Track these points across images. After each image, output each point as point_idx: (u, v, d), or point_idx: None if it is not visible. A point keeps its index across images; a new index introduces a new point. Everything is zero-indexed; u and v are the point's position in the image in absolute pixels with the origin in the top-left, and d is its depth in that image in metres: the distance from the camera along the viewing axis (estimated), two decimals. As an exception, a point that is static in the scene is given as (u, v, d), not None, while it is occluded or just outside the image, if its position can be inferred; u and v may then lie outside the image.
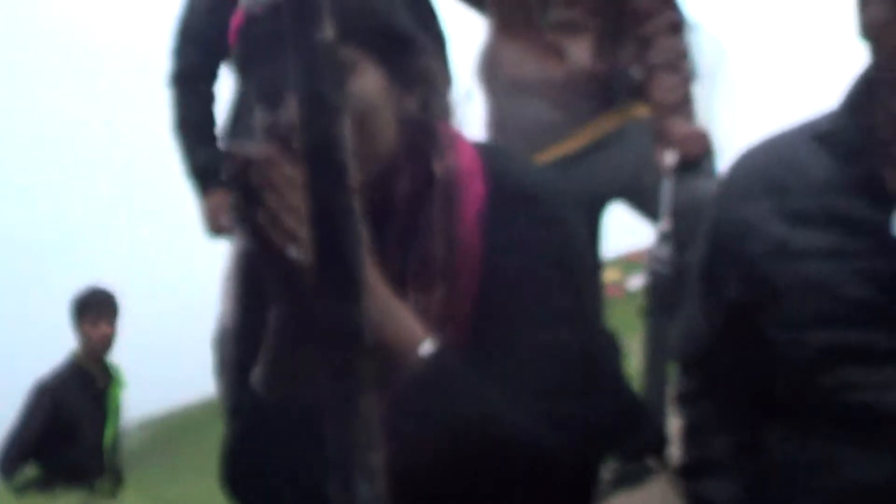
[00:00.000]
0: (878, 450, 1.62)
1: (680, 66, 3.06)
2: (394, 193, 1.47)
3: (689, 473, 1.75)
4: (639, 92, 3.09)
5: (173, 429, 6.53)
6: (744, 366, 1.80)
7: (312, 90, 1.16)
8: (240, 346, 1.59)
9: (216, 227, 3.74)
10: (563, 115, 3.05)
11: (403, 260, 1.46)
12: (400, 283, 1.44)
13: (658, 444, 1.80)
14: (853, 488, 1.63)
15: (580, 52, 3.05)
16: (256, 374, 1.45)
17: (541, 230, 1.47)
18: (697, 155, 2.95)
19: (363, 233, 1.12)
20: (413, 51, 1.52)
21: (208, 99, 3.78)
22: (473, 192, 1.48)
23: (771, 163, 1.77)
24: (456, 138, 1.54)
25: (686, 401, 1.88)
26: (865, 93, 1.70)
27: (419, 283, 1.44)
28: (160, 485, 5.89)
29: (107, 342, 6.20)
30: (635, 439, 1.68)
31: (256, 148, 1.32)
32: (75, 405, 6.11)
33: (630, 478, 1.69)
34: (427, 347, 1.36)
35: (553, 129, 3.05)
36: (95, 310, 6.15)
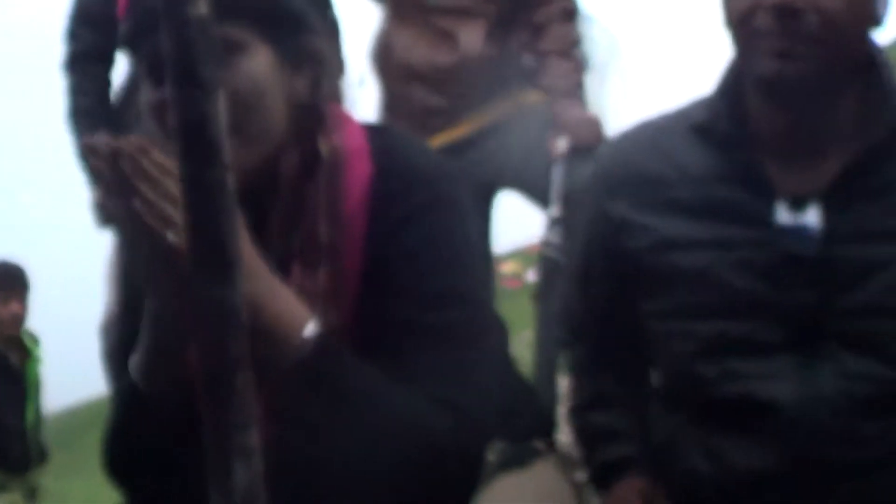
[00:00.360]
0: (756, 438, 1.64)
1: (572, 53, 3.08)
2: (280, 173, 1.46)
3: (577, 411, 1.79)
4: (531, 79, 3.11)
5: (75, 424, 6.42)
6: (624, 351, 1.84)
7: (185, 67, 1.14)
8: (121, 334, 1.57)
9: (105, 218, 3.69)
10: (453, 102, 3.05)
11: (289, 239, 1.45)
12: (286, 261, 1.43)
13: (546, 426, 1.80)
14: (730, 474, 1.66)
15: (472, 38, 3.06)
16: (134, 364, 1.43)
17: (427, 210, 1.47)
18: (590, 141, 2.96)
19: (238, 212, 1.09)
20: (304, 31, 1.50)
21: (103, 83, 3.71)
22: (359, 171, 1.47)
23: (646, 154, 1.76)
24: (345, 119, 1.53)
25: (569, 351, 1.94)
26: (736, 82, 1.72)
27: (305, 262, 1.44)
28: (60, 479, 5.80)
29: (18, 320, 5.95)
30: (523, 421, 1.69)
31: (124, 138, 1.29)
32: None
33: (516, 459, 1.69)
34: (311, 329, 1.35)
35: (443, 115, 3.06)
36: (4, 286, 5.87)
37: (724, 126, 1.71)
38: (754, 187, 1.68)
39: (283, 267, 1.40)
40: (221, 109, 1.15)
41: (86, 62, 3.67)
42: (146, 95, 1.47)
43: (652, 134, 1.81)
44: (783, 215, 1.65)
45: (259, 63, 1.44)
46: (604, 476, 1.76)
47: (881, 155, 1.65)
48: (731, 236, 1.68)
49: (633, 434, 1.80)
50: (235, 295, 1.17)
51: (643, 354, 1.84)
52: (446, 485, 1.40)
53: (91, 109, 3.66)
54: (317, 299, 1.42)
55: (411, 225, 1.45)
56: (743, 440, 1.65)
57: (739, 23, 1.64)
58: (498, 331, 1.66)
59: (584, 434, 1.80)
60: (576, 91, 3.02)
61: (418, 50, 3.14)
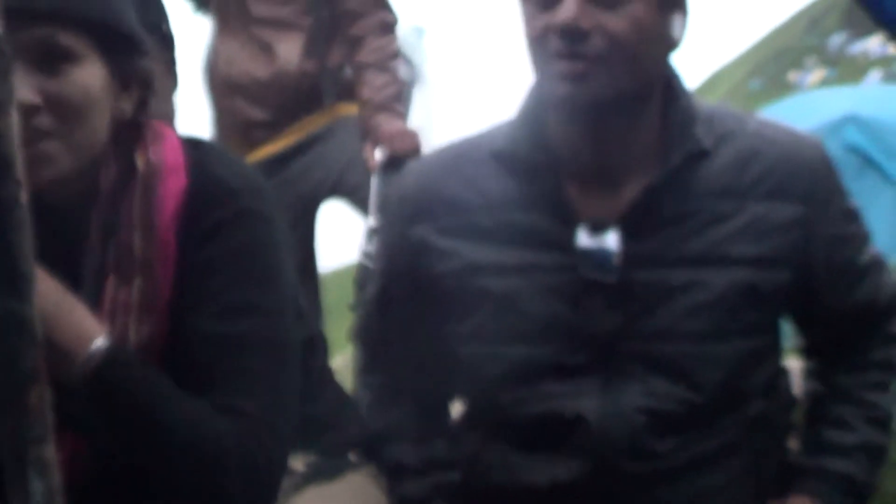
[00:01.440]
0: (558, 452, 1.67)
1: (389, 66, 3.11)
2: (98, 186, 1.47)
3: (376, 441, 1.78)
4: (348, 91, 3.14)
5: None
6: (420, 380, 1.84)
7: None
8: None
9: None
10: (271, 115, 3.06)
11: (105, 251, 1.46)
12: (103, 273, 1.44)
13: (363, 438, 1.82)
14: (531, 488, 1.70)
15: (289, 50, 3.07)
16: None
17: (231, 223, 1.48)
18: (406, 152, 3.00)
19: (30, 227, 1.10)
20: (136, 53, 1.51)
21: None
22: (173, 186, 1.48)
23: (448, 179, 1.76)
24: (165, 135, 1.54)
25: (365, 375, 1.92)
26: (536, 107, 1.73)
27: (119, 274, 1.44)
28: None
29: None
30: (340, 434, 1.70)
31: None
32: None
33: (328, 471, 1.70)
34: (99, 342, 1.35)
35: (264, 127, 3.07)
36: None
37: (525, 152, 1.72)
38: (556, 212, 1.69)
39: (99, 279, 1.41)
40: (14, 125, 1.16)
41: None
42: None
43: (454, 159, 1.81)
44: (584, 240, 1.66)
45: (92, 76, 1.45)
46: None
47: (678, 181, 1.67)
48: (535, 261, 1.69)
49: (427, 468, 1.80)
50: (29, 308, 1.17)
51: (440, 382, 1.85)
52: (231, 490, 1.39)
53: None
54: (130, 312, 1.43)
55: (215, 238, 1.46)
56: (545, 455, 1.68)
57: (533, 46, 1.65)
58: (316, 346, 1.67)
59: (380, 467, 1.79)
60: (392, 103, 3.05)
61: (239, 63, 3.14)
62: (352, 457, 1.72)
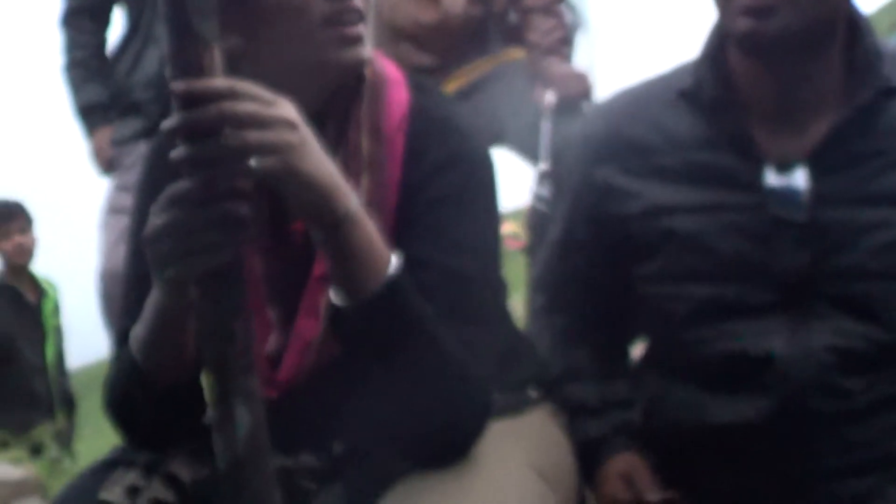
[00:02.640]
0: (744, 391, 1.67)
1: (554, 10, 3.09)
2: (329, 95, 1.53)
3: (556, 384, 1.78)
4: (513, 36, 3.13)
5: (74, 388, 6.39)
6: (602, 323, 1.85)
7: (181, 20, 1.17)
8: (129, 292, 1.59)
9: (104, 165, 3.73)
10: (437, 60, 3.07)
11: (336, 154, 1.49)
12: None
13: (541, 376, 1.82)
14: (714, 427, 1.69)
15: None
16: (133, 339, 1.47)
17: (460, 160, 1.53)
18: (577, 95, 2.99)
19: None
20: None
21: (98, 37, 3.76)
22: (398, 96, 1.56)
23: (631, 121, 1.76)
24: (380, 56, 1.61)
25: (546, 316, 1.94)
26: (720, 47, 1.72)
27: (348, 173, 1.47)
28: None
29: (24, 252, 5.94)
30: (520, 370, 1.72)
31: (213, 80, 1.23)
32: (7, 324, 5.86)
33: (509, 407, 1.72)
34: (395, 262, 1.38)
35: (429, 73, 3.07)
36: (3, 221, 5.87)
37: (710, 91, 1.71)
38: (742, 151, 1.68)
39: None
40: (218, 61, 1.19)
41: (82, 18, 3.72)
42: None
43: (636, 100, 1.81)
44: (771, 179, 1.66)
45: None
46: (584, 454, 1.76)
47: (867, 118, 1.65)
48: (721, 201, 1.69)
49: (608, 408, 1.81)
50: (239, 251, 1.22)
51: (622, 323, 1.86)
52: (467, 416, 1.44)
53: (85, 62, 3.70)
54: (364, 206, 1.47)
55: (444, 171, 1.51)
56: (730, 394, 1.67)
57: None
58: (501, 285, 1.70)
59: (564, 407, 1.79)
60: (560, 47, 3.04)
61: (404, 8, 3.15)
62: (532, 393, 1.73)
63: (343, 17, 1.47)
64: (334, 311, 1.39)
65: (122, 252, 1.94)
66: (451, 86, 3.08)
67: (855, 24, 1.69)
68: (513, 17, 3.16)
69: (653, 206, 1.72)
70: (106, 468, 1.54)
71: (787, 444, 1.65)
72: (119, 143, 3.66)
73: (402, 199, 1.51)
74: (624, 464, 1.75)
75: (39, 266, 6.20)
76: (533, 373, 1.74)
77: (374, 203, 1.48)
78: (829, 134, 1.65)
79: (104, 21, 3.79)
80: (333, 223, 1.33)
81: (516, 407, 1.66)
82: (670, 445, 1.76)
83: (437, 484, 1.41)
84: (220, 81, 1.20)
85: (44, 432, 5.39)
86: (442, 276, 1.46)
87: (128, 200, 3.51)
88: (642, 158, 1.74)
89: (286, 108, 1.26)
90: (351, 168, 1.49)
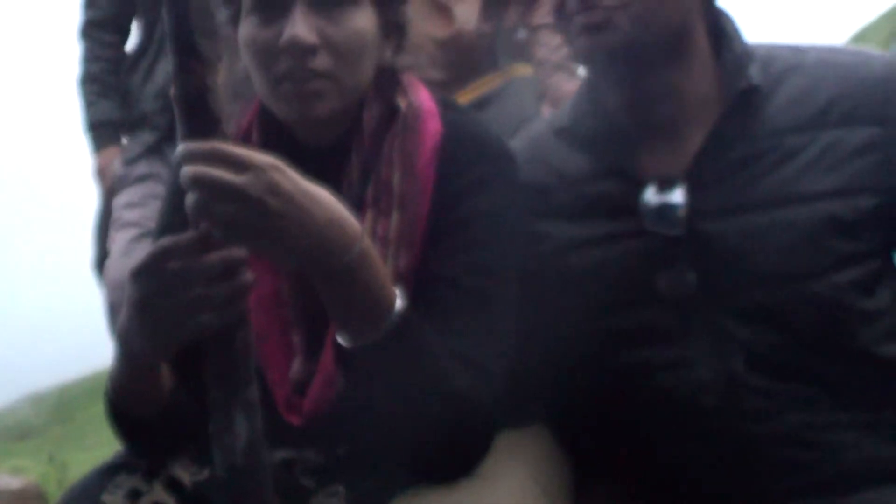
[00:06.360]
0: (680, 426, 1.63)
1: None
2: (361, 124, 1.56)
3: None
4: (522, 52, 3.15)
5: (72, 398, 6.46)
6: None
7: (185, 41, 1.19)
8: None
9: (107, 184, 3.74)
10: (448, 74, 3.08)
11: (364, 185, 1.53)
12: (359, 209, 1.51)
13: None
14: (661, 466, 1.66)
15: (467, 11, 3.09)
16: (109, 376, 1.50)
17: (490, 183, 1.56)
18: None
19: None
20: (401, 2, 1.63)
21: (117, 49, 3.77)
22: (432, 129, 1.57)
23: (530, 165, 1.75)
24: (416, 83, 1.65)
25: None
26: (596, 80, 1.73)
27: (378, 208, 1.51)
28: (58, 451, 5.84)
29: None
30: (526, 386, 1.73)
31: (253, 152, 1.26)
32: None
33: (514, 421, 1.74)
34: (400, 302, 1.39)
35: (440, 87, 3.09)
36: None
37: (586, 124, 1.73)
38: (623, 177, 1.68)
39: (357, 214, 1.44)
40: (220, 83, 1.21)
41: (100, 30, 3.73)
42: (249, 30, 1.54)
43: (532, 143, 1.83)
44: (651, 198, 1.64)
45: (367, 20, 1.55)
46: None
47: (740, 125, 1.63)
48: (611, 230, 1.68)
49: None
50: (242, 257, 1.24)
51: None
52: (472, 437, 1.46)
53: (101, 76, 3.72)
54: (389, 245, 1.51)
55: (474, 194, 1.54)
56: (665, 430, 1.64)
57: (555, 7, 1.64)
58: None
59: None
60: (567, 63, 3.06)
61: (417, 23, 3.15)
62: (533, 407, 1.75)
63: (296, 74, 1.49)
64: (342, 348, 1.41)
65: (127, 263, 1.96)
66: (461, 100, 3.09)
67: (720, 31, 1.68)
68: (521, 33, 3.18)
69: (556, 245, 1.72)
70: (108, 472, 1.57)
71: (736, 477, 1.60)
72: (129, 161, 3.67)
73: (431, 224, 1.53)
74: None
75: (47, 270, 6.20)
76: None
77: (403, 238, 1.50)
78: (702, 145, 1.64)
79: (124, 33, 3.81)
80: (328, 275, 1.33)
81: (519, 420, 1.68)
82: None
83: (440, 497, 1.42)
84: (199, 145, 1.21)
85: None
86: (464, 297, 1.49)
87: (133, 216, 3.55)
88: (543, 200, 1.74)
89: (259, 175, 1.23)
90: (382, 205, 1.51)
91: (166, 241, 1.24)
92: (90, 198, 3.85)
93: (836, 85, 1.64)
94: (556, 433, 1.76)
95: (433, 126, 1.58)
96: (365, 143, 1.56)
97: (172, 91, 1.21)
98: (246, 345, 1.24)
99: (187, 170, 1.21)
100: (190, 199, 1.22)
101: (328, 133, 1.58)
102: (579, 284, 1.69)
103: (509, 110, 3.07)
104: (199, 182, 1.21)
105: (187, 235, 1.24)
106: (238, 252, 1.24)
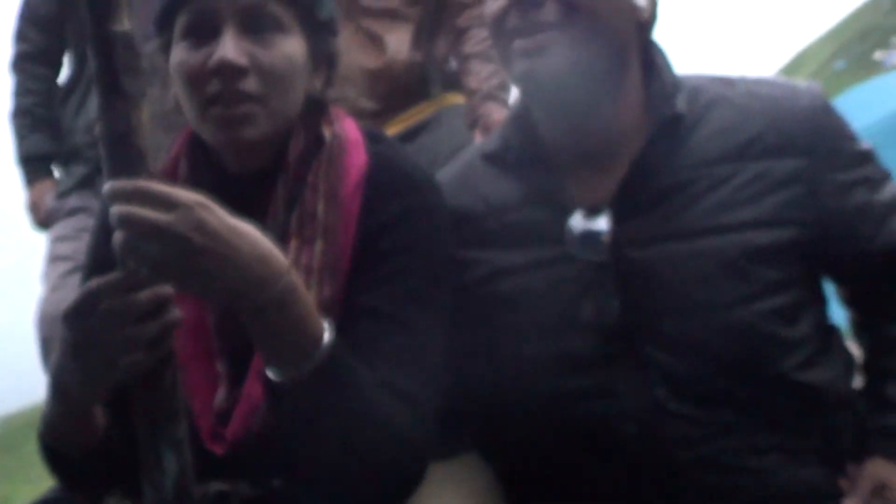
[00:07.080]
0: (600, 455, 1.63)
1: (494, 56, 3.12)
2: (287, 153, 1.56)
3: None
4: (453, 82, 3.17)
5: (16, 430, 6.37)
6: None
7: (110, 80, 1.20)
8: None
9: (40, 218, 3.71)
10: (380, 104, 3.09)
11: (289, 213, 1.53)
12: (284, 237, 1.51)
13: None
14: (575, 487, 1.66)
15: (398, 41, 3.10)
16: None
17: (416, 213, 1.57)
18: None
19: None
20: (331, 34, 1.63)
21: (48, 83, 3.74)
22: (356, 160, 1.58)
23: (458, 192, 1.77)
24: (343, 115, 1.65)
25: None
26: (526, 107, 1.74)
27: (302, 237, 1.51)
28: (1, 483, 5.74)
29: None
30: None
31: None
32: None
33: (448, 451, 1.75)
34: (328, 335, 1.39)
35: (371, 117, 3.10)
36: None
37: (515, 150, 1.74)
38: (551, 203, 1.69)
39: (281, 243, 1.44)
40: (145, 120, 1.22)
41: (31, 63, 3.70)
42: (180, 55, 1.54)
43: (460, 170, 1.84)
44: (577, 225, 1.65)
45: (296, 47, 1.56)
46: None
47: (667, 154, 1.65)
48: (538, 256, 1.68)
49: None
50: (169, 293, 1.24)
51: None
52: (403, 463, 1.46)
53: (32, 109, 3.69)
54: (312, 273, 1.50)
55: (399, 225, 1.55)
56: (591, 457, 1.64)
57: (495, 29, 1.66)
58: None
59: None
60: (498, 92, 3.07)
61: (348, 53, 3.18)
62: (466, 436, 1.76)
63: (225, 97, 1.49)
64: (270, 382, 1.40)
65: (59, 297, 1.95)
66: (392, 130, 3.11)
67: (649, 62, 1.70)
68: (453, 62, 3.20)
69: (485, 273, 1.72)
70: None
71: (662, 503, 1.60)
72: (61, 194, 3.64)
73: (356, 255, 1.53)
74: None
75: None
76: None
77: (327, 267, 1.50)
78: (627, 173, 1.65)
79: (55, 66, 3.78)
80: (256, 310, 1.33)
81: (451, 449, 1.69)
82: None
83: None
84: (125, 183, 1.22)
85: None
86: (390, 326, 1.49)
87: (65, 249, 3.52)
88: (472, 227, 1.74)
89: (185, 213, 1.24)
90: (305, 233, 1.52)
91: (95, 282, 1.24)
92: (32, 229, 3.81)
93: (764, 117, 1.66)
94: (487, 461, 1.76)
95: (358, 158, 1.59)
96: (290, 171, 1.56)
97: (97, 129, 1.21)
98: (173, 382, 1.25)
99: (114, 209, 1.21)
100: (117, 237, 1.22)
101: (255, 160, 1.58)
102: (506, 311, 1.69)
103: (441, 139, 3.08)
104: (125, 222, 1.21)
105: (116, 276, 1.24)
106: (165, 289, 1.25)
